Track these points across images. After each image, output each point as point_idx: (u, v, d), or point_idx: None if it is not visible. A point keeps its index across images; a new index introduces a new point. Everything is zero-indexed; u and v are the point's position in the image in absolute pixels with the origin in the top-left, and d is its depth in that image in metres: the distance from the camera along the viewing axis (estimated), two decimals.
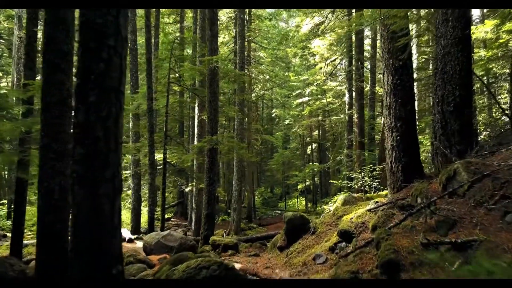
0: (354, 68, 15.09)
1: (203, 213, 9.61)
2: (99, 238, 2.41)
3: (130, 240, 14.17)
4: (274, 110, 34.14)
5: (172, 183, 20.02)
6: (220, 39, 25.29)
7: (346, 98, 16.19)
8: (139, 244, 13.92)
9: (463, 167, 4.14)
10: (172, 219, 21.83)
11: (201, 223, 14.19)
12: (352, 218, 5.31)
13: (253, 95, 27.89)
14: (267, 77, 26.52)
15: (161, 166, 12.84)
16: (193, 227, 14.33)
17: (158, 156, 12.90)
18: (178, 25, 22.09)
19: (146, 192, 21.72)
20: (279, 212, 31.13)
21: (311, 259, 5.25)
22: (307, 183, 28.74)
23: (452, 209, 3.74)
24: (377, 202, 5.29)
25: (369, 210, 5.05)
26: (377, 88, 20.49)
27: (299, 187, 27.75)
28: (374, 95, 19.01)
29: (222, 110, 15.03)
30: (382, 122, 15.31)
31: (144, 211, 18.81)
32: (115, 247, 2.54)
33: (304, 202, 28.90)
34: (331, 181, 22.24)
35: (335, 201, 12.53)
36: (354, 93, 15.78)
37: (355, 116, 15.33)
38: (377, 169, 11.39)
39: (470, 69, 6.06)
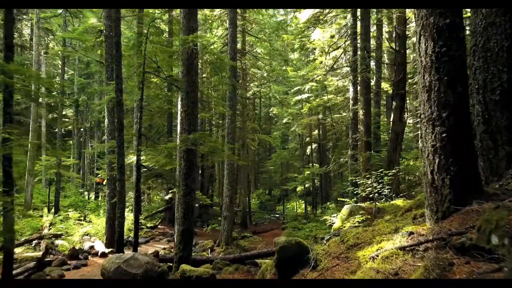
0: (359, 57, 13.27)
1: (178, 229, 7.81)
2: None
3: (103, 255, 12.38)
4: (272, 109, 32.31)
5: (160, 186, 18.26)
6: (215, 32, 23.51)
7: (350, 93, 14.37)
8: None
9: None
10: (159, 226, 20.02)
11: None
12: (374, 257, 3.52)
13: (249, 92, 26.10)
14: (265, 74, 24.69)
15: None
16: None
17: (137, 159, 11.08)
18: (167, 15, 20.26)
19: (132, 197, 19.99)
20: (277, 215, 29.36)
21: None
22: (306, 185, 26.97)
23: None
24: (411, 233, 3.48)
25: (403, 248, 3.26)
26: (383, 84, 18.71)
27: (298, 189, 25.95)
28: (380, 90, 17.21)
29: (211, 105, 13.22)
30: (391, 120, 13.51)
31: (129, 218, 17.00)
32: None
33: (303, 206, 27.08)
34: (334, 189, 20.47)
35: (340, 212, 10.71)
36: (359, 87, 13.98)
37: (361, 112, 13.52)
38: (390, 173, 9.58)
39: None
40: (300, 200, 30.07)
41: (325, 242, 5.54)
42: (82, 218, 19.75)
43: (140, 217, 17.59)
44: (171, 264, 8.28)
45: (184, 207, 7.77)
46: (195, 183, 7.90)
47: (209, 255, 12.19)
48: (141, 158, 10.60)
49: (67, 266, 10.58)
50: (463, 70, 3.50)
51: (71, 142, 34.97)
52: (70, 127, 35.53)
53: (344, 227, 4.76)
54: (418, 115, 3.57)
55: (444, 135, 3.44)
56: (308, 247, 4.93)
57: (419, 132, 3.77)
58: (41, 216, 20.29)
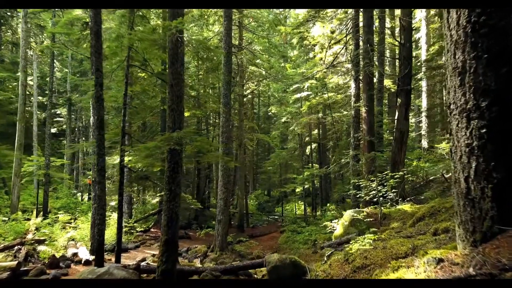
0: (362, 51, 12.44)
1: (161, 239, 6.97)
2: None
3: (88, 263, 11.51)
4: (270, 108, 31.45)
5: (152, 188, 17.45)
6: (212, 28, 22.64)
7: (352, 89, 13.54)
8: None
9: None
10: (152, 229, 19.19)
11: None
12: None
13: (248, 91, 25.25)
14: (263, 71, 23.82)
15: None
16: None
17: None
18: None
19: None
20: (276, 217, 28.51)
21: None
22: (306, 186, 26.11)
23: None
24: (440, 261, 2.64)
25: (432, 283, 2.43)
26: (385, 81, 17.89)
27: (297, 190, 25.08)
28: (382, 86, 16.38)
29: (205, 103, 12.38)
30: (396, 118, 12.68)
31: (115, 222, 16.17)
32: None
33: (302, 207, 26.22)
34: (335, 191, 19.62)
35: (342, 218, 9.87)
36: (361, 83, 13.15)
37: (363, 110, 12.68)
38: (396, 176, 8.74)
39: None
40: (300, 201, 29.24)
41: (325, 259, 4.70)
42: (72, 220, 18.94)
43: (130, 221, 16.76)
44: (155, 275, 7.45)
45: (167, 215, 6.92)
46: (180, 187, 7.04)
47: (200, 265, 11.35)
48: (127, 159, 9.79)
49: (45, 276, 9.72)
50: (508, 45, 2.65)
51: (64, 142, 34.14)
52: (65, 126, 34.70)
53: (351, 247, 3.89)
54: (447, 105, 2.71)
55: (483, 130, 2.61)
56: (305, 267, 4.11)
57: (450, 126, 2.87)
58: (29, 219, 19.48)
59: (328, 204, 23.95)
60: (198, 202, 26.85)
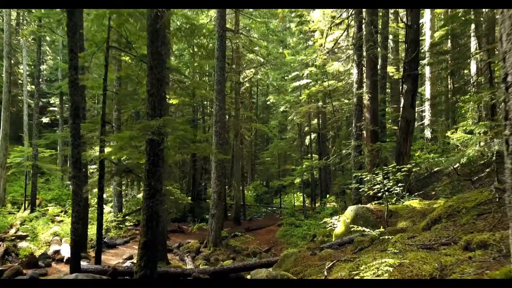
0: (365, 33, 11.51)
1: (140, 241, 6.17)
2: None
3: (70, 261, 10.78)
4: (269, 97, 30.49)
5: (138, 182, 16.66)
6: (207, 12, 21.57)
7: (354, 75, 12.62)
8: (83, 263, 10.52)
9: None
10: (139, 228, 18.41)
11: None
12: None
13: (245, 79, 24.28)
14: (261, 59, 22.80)
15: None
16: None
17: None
18: None
19: (111, 196, 18.32)
20: (274, 209, 27.83)
21: None
22: (305, 177, 25.35)
23: None
24: None
25: None
26: (388, 68, 16.96)
27: (296, 181, 24.31)
28: (386, 72, 15.44)
29: (191, 88, 11.48)
30: (401, 106, 11.80)
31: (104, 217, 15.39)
32: None
33: (301, 198, 25.47)
34: (335, 183, 18.82)
35: (343, 214, 9.06)
36: (364, 68, 12.24)
37: (366, 97, 11.80)
38: (404, 169, 7.91)
39: None
40: (298, 193, 28.51)
41: (325, 273, 3.89)
42: (62, 213, 18.18)
43: (119, 215, 16.00)
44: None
45: (147, 213, 6.11)
46: (162, 182, 6.21)
47: (191, 264, 10.59)
48: (108, 150, 8.95)
49: (21, 276, 8.96)
50: None
51: (58, 132, 33.19)
52: (58, 116, 33.72)
53: (362, 275, 3.04)
54: (502, 76, 1.80)
55: None
56: None
57: (506, 106, 1.93)
58: (16, 212, 18.73)
59: (327, 196, 23.23)
60: (194, 194, 26.33)
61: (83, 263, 10.43)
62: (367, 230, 4.05)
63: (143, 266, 6.00)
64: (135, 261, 10.91)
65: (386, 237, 5.17)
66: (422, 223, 5.36)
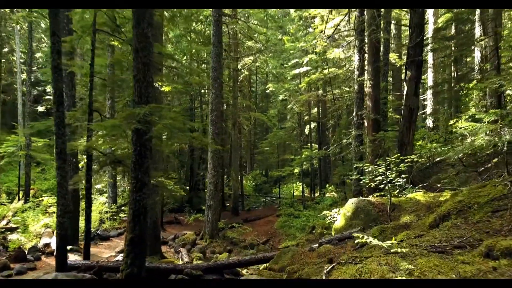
0: (367, 17, 10.97)
1: (126, 237, 5.78)
2: None
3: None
4: (268, 86, 29.91)
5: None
6: None
7: (356, 61, 12.12)
8: (73, 258, 10.20)
9: None
10: None
11: (150, 236, 10.45)
12: None
13: (245, 67, 23.69)
14: (259, 45, 22.17)
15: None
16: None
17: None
18: None
19: (106, 187, 17.88)
20: (273, 198, 27.53)
21: None
22: (304, 166, 24.95)
23: None
24: None
25: None
26: (391, 55, 16.39)
27: (295, 171, 23.95)
28: (388, 57, 14.89)
29: (184, 74, 10.98)
30: (405, 93, 11.32)
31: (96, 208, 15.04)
32: None
33: (300, 188, 25.11)
34: (335, 173, 18.43)
35: (344, 207, 8.68)
36: (366, 55, 11.74)
37: (368, 84, 11.33)
38: (408, 159, 7.49)
39: None
40: (298, 182, 28.17)
41: (324, 277, 3.49)
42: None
43: (113, 206, 15.65)
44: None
45: (133, 208, 5.71)
46: (150, 174, 5.81)
47: (185, 257, 10.25)
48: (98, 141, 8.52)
49: (8, 271, 8.62)
50: None
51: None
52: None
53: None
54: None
55: None
56: None
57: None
58: (10, 203, 18.40)
59: (327, 186, 22.88)
60: (192, 184, 25.99)
61: (73, 257, 10.12)
62: (371, 239, 3.63)
63: (129, 263, 5.62)
64: None
65: (387, 231, 4.77)
66: (429, 219, 4.96)
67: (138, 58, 5.82)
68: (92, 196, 18.84)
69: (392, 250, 3.66)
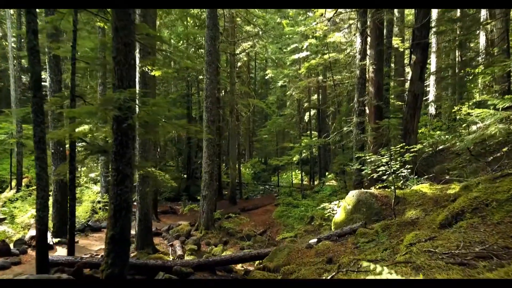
0: None
1: (107, 234, 5.30)
2: None
3: (48, 247, 9.97)
4: (267, 71, 29.18)
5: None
6: None
7: (357, 45, 11.48)
8: (60, 252, 9.79)
9: None
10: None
11: (141, 228, 10.03)
12: None
13: (243, 54, 22.95)
14: (258, 29, 21.39)
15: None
16: (136, 227, 10.14)
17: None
18: None
19: (99, 176, 17.37)
20: (272, 186, 27.13)
21: None
22: (304, 154, 24.44)
23: None
24: None
25: None
26: (394, 39, 15.69)
27: (294, 159, 23.48)
28: (391, 41, 14.23)
29: (175, 58, 10.36)
30: (409, 78, 10.74)
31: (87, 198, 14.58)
32: None
33: (300, 176, 24.67)
34: (335, 161, 17.91)
35: (344, 199, 8.19)
36: (369, 37, 11.10)
37: (370, 69, 10.73)
38: (413, 149, 6.97)
39: None
40: (297, 170, 27.74)
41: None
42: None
43: (105, 196, 15.18)
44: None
45: (114, 203, 5.22)
46: (132, 166, 5.29)
47: (179, 250, 9.82)
48: (81, 128, 7.99)
49: None
50: None
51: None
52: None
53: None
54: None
55: None
56: None
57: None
58: (1, 192, 17.97)
59: (327, 174, 22.41)
60: (189, 172, 25.53)
61: (60, 251, 9.72)
62: (382, 268, 3.12)
63: (110, 263, 5.15)
64: None
65: (390, 229, 4.28)
66: (439, 216, 4.46)
67: (118, 38, 5.24)
68: (86, 185, 18.50)
69: (402, 258, 3.17)
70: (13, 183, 18.88)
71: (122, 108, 4.98)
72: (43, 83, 7.45)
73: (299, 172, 25.54)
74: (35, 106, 6.60)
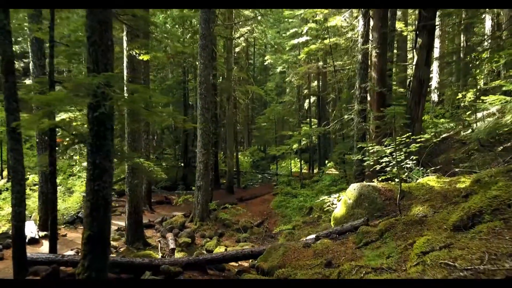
0: None
1: (83, 234, 4.82)
2: None
3: (34, 241, 9.60)
4: (266, 57, 28.39)
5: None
6: None
7: (360, 27, 10.84)
8: (47, 246, 9.33)
9: None
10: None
11: (132, 221, 9.57)
12: None
13: (241, 39, 22.22)
14: (257, 13, 20.60)
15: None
16: (126, 221, 9.69)
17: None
18: None
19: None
20: (271, 174, 26.72)
21: None
22: (303, 142, 23.93)
23: None
24: None
25: None
26: (398, 23, 14.97)
27: (294, 147, 23.00)
28: (394, 23, 13.52)
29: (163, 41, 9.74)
30: (414, 63, 10.13)
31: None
32: None
33: (299, 164, 24.22)
34: (335, 150, 17.38)
35: (345, 193, 7.69)
36: (372, 19, 10.47)
37: (373, 53, 10.13)
38: (419, 139, 6.45)
39: None
40: (296, 159, 27.27)
41: None
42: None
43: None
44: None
45: (91, 200, 4.72)
46: (111, 159, 4.77)
47: (171, 243, 9.38)
48: (64, 116, 7.46)
49: None
50: None
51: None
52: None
53: None
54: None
55: None
56: None
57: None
58: None
59: (326, 163, 21.94)
60: (186, 160, 25.04)
61: (45, 246, 9.28)
62: None
63: (87, 266, 4.68)
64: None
65: (395, 225, 3.80)
66: (453, 217, 3.96)
67: (92, 15, 4.66)
68: (79, 174, 18.01)
69: (413, 270, 2.68)
70: (4, 173, 18.41)
71: (97, 95, 4.44)
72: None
73: (298, 160, 25.08)
74: (7, 91, 6.05)
